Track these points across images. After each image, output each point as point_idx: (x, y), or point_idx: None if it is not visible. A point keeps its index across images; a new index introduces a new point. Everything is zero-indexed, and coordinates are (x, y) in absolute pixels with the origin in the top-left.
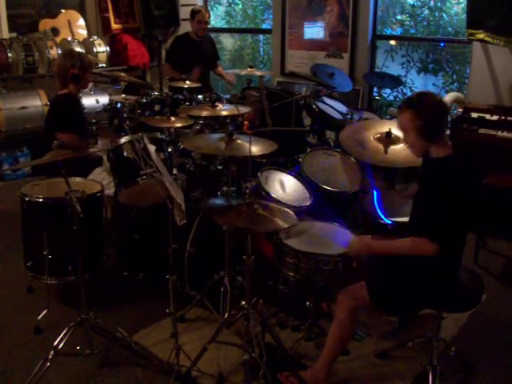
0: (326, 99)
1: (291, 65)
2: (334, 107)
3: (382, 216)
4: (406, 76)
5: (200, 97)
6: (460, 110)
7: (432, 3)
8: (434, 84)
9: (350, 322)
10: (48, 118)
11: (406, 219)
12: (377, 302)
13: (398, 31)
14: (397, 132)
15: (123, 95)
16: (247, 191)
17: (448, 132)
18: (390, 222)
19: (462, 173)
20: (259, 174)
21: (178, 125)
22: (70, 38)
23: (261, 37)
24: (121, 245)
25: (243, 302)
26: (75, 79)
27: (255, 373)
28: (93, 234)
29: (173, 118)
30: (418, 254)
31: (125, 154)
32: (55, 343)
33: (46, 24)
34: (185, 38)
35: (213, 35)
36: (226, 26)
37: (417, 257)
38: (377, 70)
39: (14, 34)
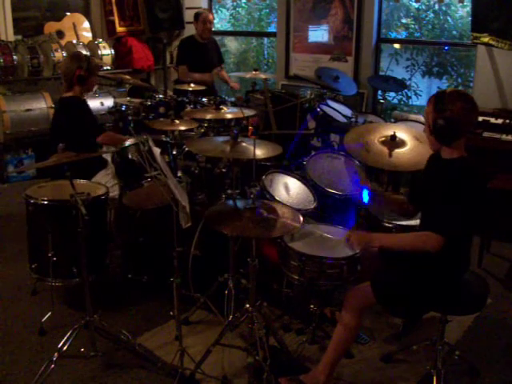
0: (330, 102)
1: (296, 68)
2: (339, 110)
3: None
4: (410, 79)
5: (204, 100)
6: None
7: (437, 7)
8: (438, 87)
9: (356, 323)
10: (54, 121)
11: (409, 222)
12: (381, 300)
13: (402, 34)
14: (401, 135)
15: (128, 98)
16: (252, 196)
17: None
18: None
19: (474, 174)
20: (264, 177)
21: (183, 127)
22: (74, 41)
23: (265, 40)
24: (125, 247)
25: (247, 305)
26: (81, 80)
27: (259, 376)
28: (97, 237)
29: (177, 121)
30: (422, 247)
31: (130, 156)
32: (59, 345)
33: (51, 27)
34: (190, 41)
35: (217, 38)
36: (230, 29)
37: (423, 256)
38: (381, 73)
39: (20, 37)
